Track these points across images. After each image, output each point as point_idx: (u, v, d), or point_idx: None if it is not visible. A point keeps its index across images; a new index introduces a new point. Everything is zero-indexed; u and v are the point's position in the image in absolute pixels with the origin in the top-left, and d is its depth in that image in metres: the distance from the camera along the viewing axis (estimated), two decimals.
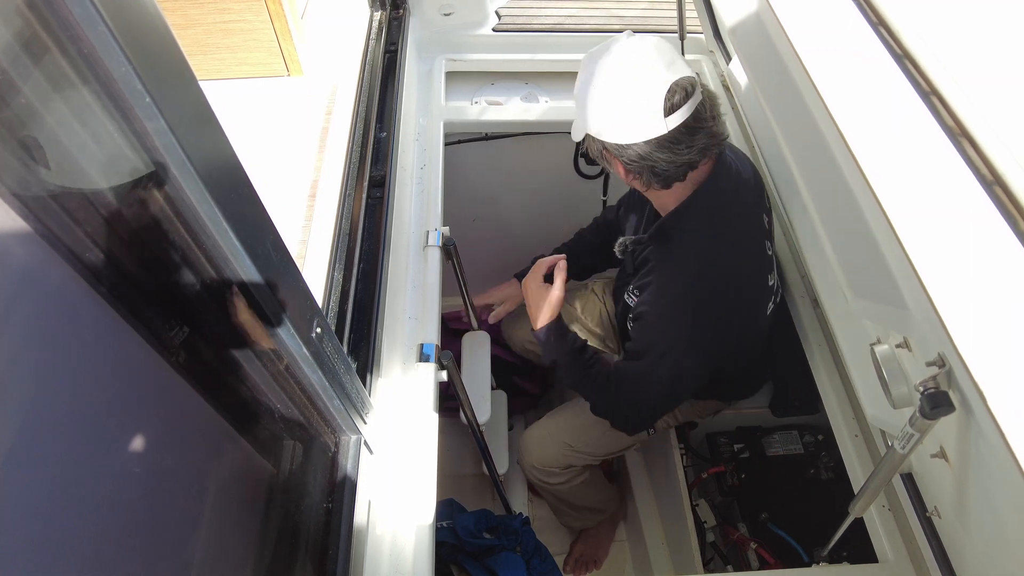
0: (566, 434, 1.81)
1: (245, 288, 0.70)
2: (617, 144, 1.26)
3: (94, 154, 0.57)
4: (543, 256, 1.71)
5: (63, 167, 0.57)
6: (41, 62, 0.50)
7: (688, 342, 1.39)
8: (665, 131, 1.21)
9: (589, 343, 2.01)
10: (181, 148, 0.57)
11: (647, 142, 1.23)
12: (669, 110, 1.20)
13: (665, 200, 1.40)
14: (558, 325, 1.59)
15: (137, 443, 0.70)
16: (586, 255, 1.88)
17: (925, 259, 0.59)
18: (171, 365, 0.74)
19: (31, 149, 0.54)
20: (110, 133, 0.55)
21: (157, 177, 0.59)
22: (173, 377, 0.75)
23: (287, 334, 0.78)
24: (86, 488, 0.63)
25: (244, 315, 0.74)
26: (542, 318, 1.58)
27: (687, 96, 1.21)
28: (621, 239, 1.58)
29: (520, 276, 1.83)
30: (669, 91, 1.19)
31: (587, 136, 1.32)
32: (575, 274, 1.79)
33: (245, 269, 0.68)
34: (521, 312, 1.88)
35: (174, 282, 0.70)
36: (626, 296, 1.57)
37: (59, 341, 0.62)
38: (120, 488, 0.67)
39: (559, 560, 2.11)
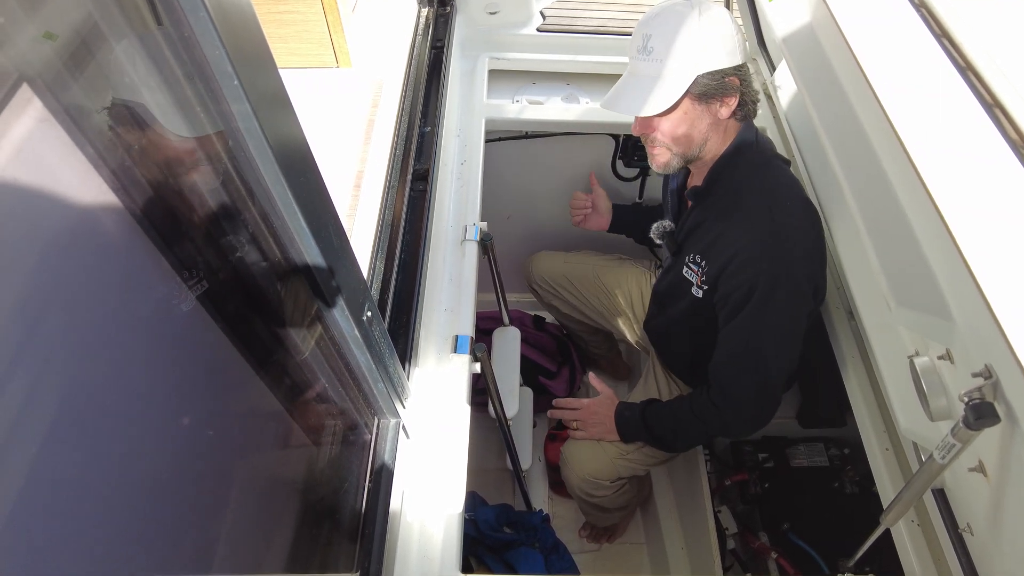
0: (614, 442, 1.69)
1: (307, 268, 0.73)
2: (733, 68, 1.29)
3: (182, 131, 0.60)
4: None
5: (151, 142, 0.60)
6: (144, 40, 0.52)
7: (792, 261, 1.33)
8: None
9: (622, 322, 1.98)
10: (262, 130, 0.59)
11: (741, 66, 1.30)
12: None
13: (711, 148, 1.39)
14: (621, 408, 1.63)
15: (196, 417, 0.73)
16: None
17: (986, 270, 0.59)
18: (231, 340, 0.77)
19: (128, 125, 0.57)
20: (198, 114, 0.58)
21: (235, 157, 0.62)
22: (232, 353, 0.78)
23: (341, 315, 0.81)
24: (142, 457, 0.65)
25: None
26: (610, 422, 1.63)
27: None
28: (657, 223, 1.57)
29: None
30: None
31: (696, 79, 1.28)
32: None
33: (309, 250, 0.71)
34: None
35: (240, 260, 0.73)
36: (685, 272, 1.49)
37: (134, 316, 0.64)
38: (173, 458, 0.70)
39: (577, 559, 2.12)
